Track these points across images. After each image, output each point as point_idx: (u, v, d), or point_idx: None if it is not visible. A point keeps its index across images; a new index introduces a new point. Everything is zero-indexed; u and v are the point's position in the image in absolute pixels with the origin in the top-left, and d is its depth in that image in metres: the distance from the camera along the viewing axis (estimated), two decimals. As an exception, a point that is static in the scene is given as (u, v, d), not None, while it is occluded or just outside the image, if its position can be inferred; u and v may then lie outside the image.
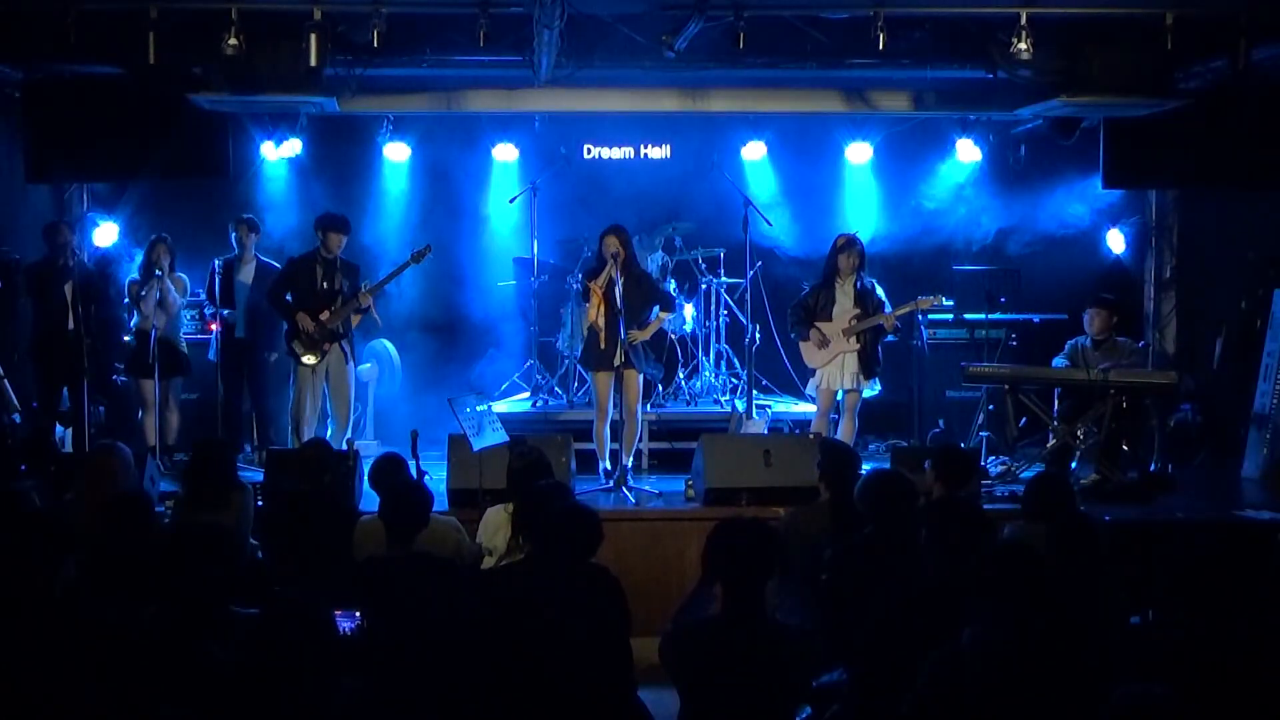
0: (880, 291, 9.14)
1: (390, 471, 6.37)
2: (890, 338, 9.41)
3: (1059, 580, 4.49)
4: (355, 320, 9.26)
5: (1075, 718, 3.86)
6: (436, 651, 4.67)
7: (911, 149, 11.13)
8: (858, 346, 8.99)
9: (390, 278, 9.37)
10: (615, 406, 8.56)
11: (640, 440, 9.26)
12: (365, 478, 8.21)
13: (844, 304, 9.05)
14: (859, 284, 9.06)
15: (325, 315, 9.04)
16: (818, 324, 9.04)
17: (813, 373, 9.17)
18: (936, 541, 4.73)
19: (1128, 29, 8.16)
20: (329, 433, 9.11)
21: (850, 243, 9.11)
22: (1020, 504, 6.10)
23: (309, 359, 9.06)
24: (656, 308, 8.77)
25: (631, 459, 8.77)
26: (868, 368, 9.02)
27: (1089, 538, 5.03)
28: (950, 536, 4.70)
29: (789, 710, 4.15)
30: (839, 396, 9.10)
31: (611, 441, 8.67)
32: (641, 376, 8.79)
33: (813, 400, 9.40)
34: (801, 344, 9.20)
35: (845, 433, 9.01)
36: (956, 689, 3.86)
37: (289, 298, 9.21)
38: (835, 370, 9.02)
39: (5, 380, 9.24)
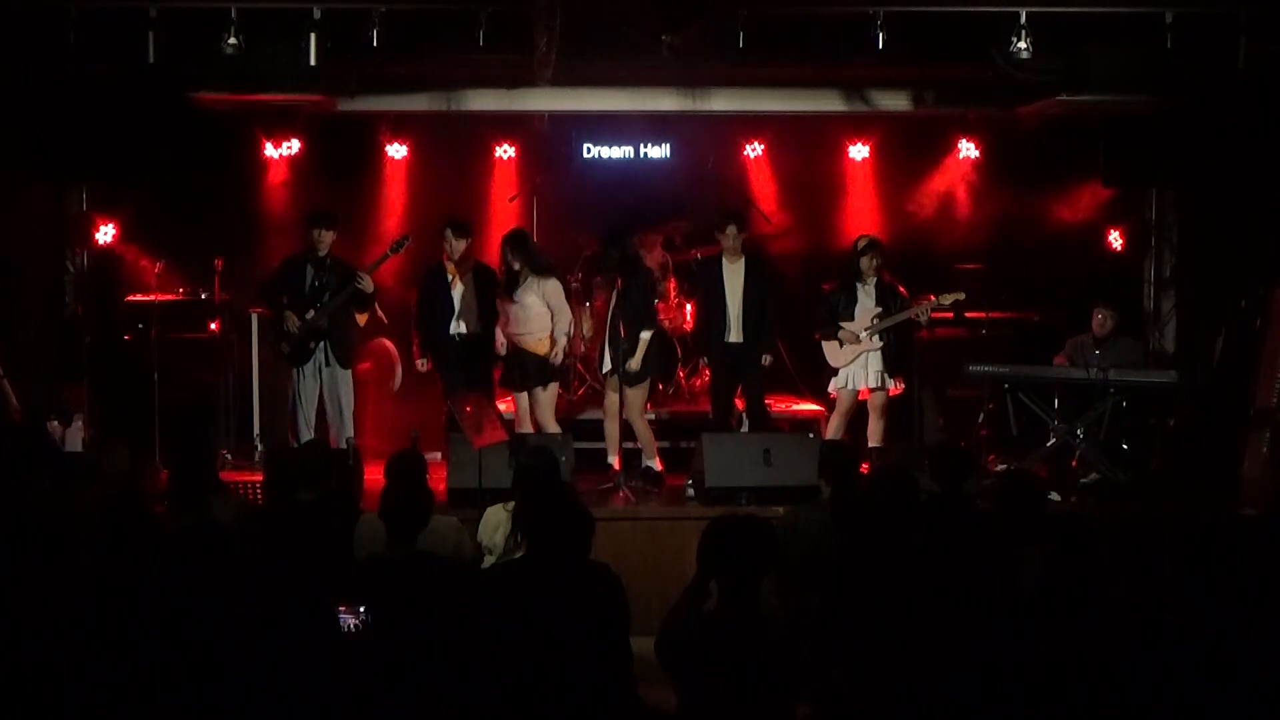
0: (901, 291, 9.16)
1: (405, 468, 6.32)
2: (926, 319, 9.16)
3: (1058, 581, 4.49)
4: (363, 317, 9.05)
5: (1076, 718, 3.87)
6: (437, 651, 4.66)
7: (911, 148, 11.13)
8: (881, 345, 9.00)
9: (376, 264, 9.17)
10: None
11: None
12: (365, 477, 8.25)
13: (865, 304, 9.07)
14: (880, 284, 9.08)
15: (310, 314, 8.88)
16: (841, 324, 9.05)
17: (834, 373, 9.16)
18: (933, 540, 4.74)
19: (1128, 28, 8.16)
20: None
21: (872, 244, 9.15)
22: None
23: (293, 358, 8.92)
24: (643, 333, 8.64)
25: (655, 460, 8.87)
26: (892, 366, 9.04)
27: (1089, 538, 5.02)
28: (946, 535, 4.70)
29: (787, 707, 4.14)
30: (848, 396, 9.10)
31: (625, 441, 8.77)
32: (645, 384, 8.81)
33: (827, 400, 9.41)
34: (825, 344, 9.18)
35: (874, 433, 9.06)
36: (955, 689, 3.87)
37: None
38: (859, 369, 9.04)
39: (5, 380, 9.23)
